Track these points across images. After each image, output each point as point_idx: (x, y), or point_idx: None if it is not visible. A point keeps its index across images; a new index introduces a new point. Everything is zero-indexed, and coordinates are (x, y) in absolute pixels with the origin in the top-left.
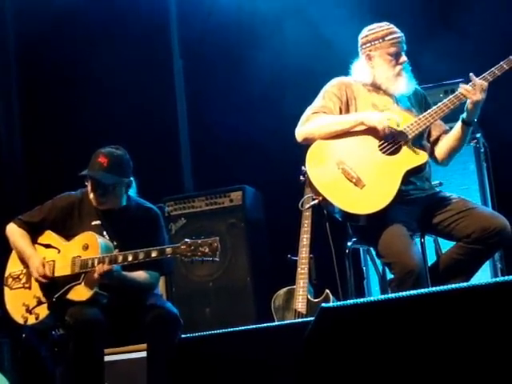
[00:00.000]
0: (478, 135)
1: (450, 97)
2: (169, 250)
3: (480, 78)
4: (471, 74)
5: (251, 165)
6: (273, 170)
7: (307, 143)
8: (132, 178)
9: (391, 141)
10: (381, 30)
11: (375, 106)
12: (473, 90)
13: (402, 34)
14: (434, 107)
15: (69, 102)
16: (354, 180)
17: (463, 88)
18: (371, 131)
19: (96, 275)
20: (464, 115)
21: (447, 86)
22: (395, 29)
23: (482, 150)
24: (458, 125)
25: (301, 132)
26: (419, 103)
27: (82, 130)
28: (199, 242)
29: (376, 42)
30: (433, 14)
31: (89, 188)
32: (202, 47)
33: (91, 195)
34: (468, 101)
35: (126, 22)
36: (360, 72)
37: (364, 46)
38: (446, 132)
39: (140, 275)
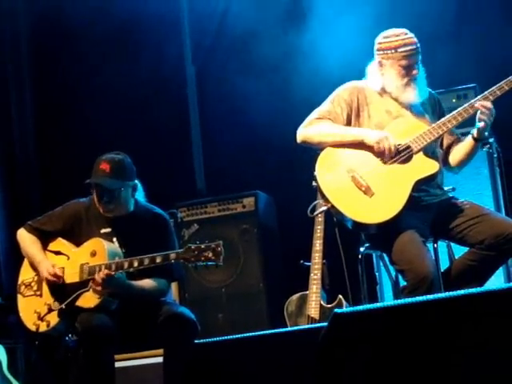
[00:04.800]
0: (491, 140)
1: (460, 108)
2: (173, 256)
3: (481, 96)
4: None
5: (264, 170)
6: (286, 176)
7: (305, 146)
8: (137, 181)
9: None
10: (395, 39)
11: (389, 113)
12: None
13: (418, 46)
14: (444, 118)
15: (82, 107)
16: (363, 188)
17: (481, 105)
18: None
19: (95, 283)
20: (474, 133)
21: (460, 91)
22: (411, 39)
23: (495, 155)
24: (468, 141)
25: (301, 134)
26: (433, 108)
27: (95, 134)
28: (202, 246)
29: (388, 51)
30: (447, 19)
31: (95, 196)
32: (214, 53)
33: (98, 203)
34: (480, 124)
35: (138, 29)
36: (371, 77)
37: (378, 53)
38: (457, 140)
39: (147, 283)
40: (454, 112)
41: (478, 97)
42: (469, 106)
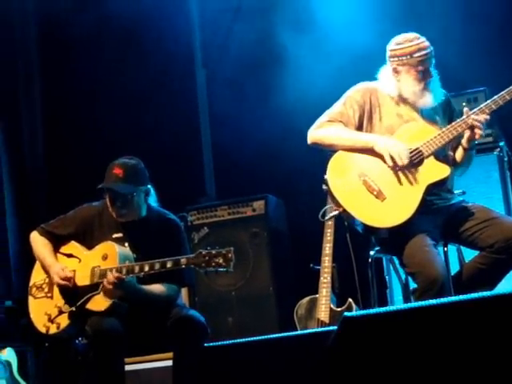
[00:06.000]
0: (502, 144)
1: (471, 112)
2: (183, 261)
3: (491, 100)
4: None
5: (274, 174)
6: (295, 179)
7: (315, 147)
8: (149, 186)
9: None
10: (409, 45)
11: (400, 116)
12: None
13: (431, 49)
14: (455, 122)
15: (92, 111)
16: (374, 192)
17: (475, 119)
18: None
19: (106, 286)
20: (464, 143)
21: (470, 94)
22: (424, 43)
23: (506, 159)
24: (460, 152)
25: (311, 136)
26: (444, 110)
27: (105, 139)
28: (214, 252)
29: (403, 57)
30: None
31: (108, 201)
32: (224, 56)
33: (111, 208)
34: (476, 136)
35: (148, 32)
36: (386, 83)
37: (391, 59)
38: (459, 145)
39: (157, 288)
40: (465, 116)
41: (488, 101)
42: (479, 111)
